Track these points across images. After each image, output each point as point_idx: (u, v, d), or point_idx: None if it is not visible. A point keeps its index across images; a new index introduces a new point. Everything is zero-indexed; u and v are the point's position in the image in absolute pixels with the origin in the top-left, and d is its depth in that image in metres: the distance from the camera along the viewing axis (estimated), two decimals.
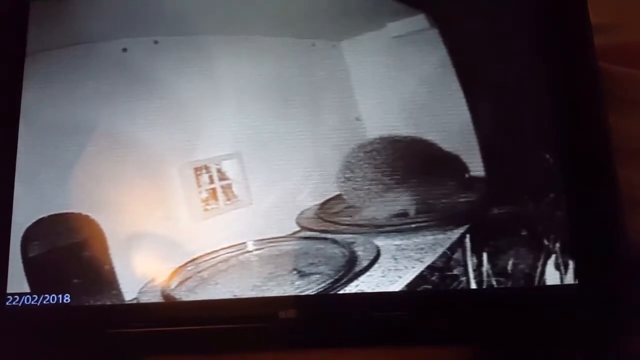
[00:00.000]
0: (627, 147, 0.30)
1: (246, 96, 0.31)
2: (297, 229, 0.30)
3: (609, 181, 0.29)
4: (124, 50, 0.32)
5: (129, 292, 0.29)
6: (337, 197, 0.30)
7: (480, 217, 0.29)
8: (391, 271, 0.28)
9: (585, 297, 0.28)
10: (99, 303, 0.29)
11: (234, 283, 0.29)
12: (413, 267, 0.28)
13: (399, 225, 0.29)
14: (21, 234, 0.30)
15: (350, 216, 0.30)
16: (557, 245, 0.28)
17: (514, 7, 0.31)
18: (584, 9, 0.31)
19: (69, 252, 0.30)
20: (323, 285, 0.28)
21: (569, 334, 0.28)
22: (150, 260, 0.29)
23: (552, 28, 0.31)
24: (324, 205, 0.30)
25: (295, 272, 0.29)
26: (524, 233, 0.29)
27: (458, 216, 0.29)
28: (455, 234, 0.29)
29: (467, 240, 0.29)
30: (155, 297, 0.29)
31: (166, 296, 0.29)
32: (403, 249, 0.29)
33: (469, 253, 0.29)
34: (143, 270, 0.29)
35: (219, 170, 0.30)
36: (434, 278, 0.28)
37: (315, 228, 0.30)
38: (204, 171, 0.30)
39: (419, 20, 0.31)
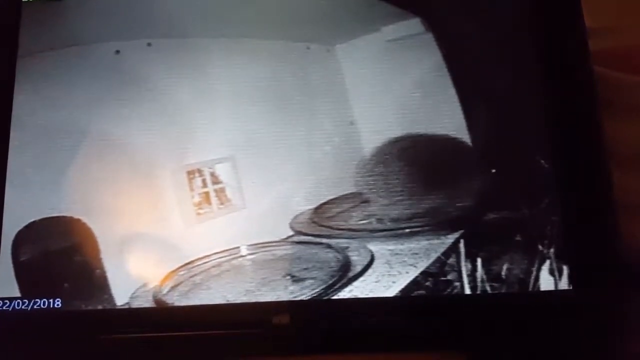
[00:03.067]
0: (622, 152, 0.30)
1: (240, 99, 0.31)
2: (291, 233, 0.29)
3: (604, 186, 0.29)
4: (117, 52, 0.32)
5: (121, 297, 0.29)
6: (331, 201, 0.30)
7: (475, 222, 0.29)
8: (385, 276, 0.28)
9: (580, 302, 0.28)
10: (90, 308, 0.29)
11: (227, 288, 0.29)
12: (407, 273, 0.28)
13: (393, 230, 0.29)
14: (12, 238, 0.30)
15: (345, 221, 0.29)
16: (552, 250, 0.28)
17: (509, 12, 0.31)
18: (579, 14, 0.31)
19: (60, 256, 0.29)
20: (317, 290, 0.28)
21: (564, 339, 0.28)
22: (143, 264, 0.29)
23: (547, 32, 0.31)
24: (318, 209, 0.30)
25: (288, 277, 0.29)
26: (518, 238, 0.28)
27: (452, 221, 0.29)
28: (449, 239, 0.29)
29: (462, 245, 0.29)
30: (147, 302, 0.28)
31: (158, 301, 0.28)
32: (397, 254, 0.29)
33: (463, 258, 0.28)
34: (135, 274, 0.29)
35: (212, 174, 0.30)
36: (428, 283, 0.28)
37: (310, 232, 0.29)
38: (197, 175, 0.30)
39: (414, 24, 0.31)
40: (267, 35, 0.31)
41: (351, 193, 0.30)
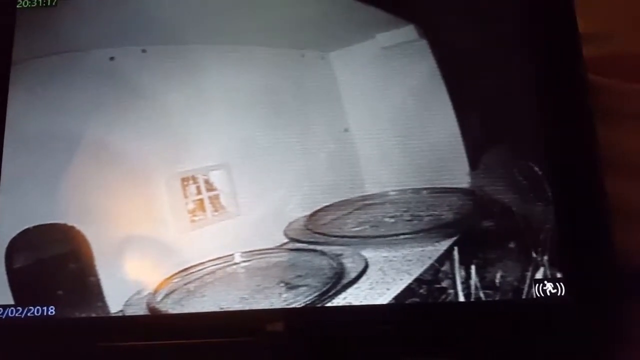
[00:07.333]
0: (616, 159, 0.30)
1: (234, 106, 0.31)
2: (285, 240, 0.29)
3: (598, 193, 0.29)
4: (112, 59, 0.32)
5: (115, 305, 0.29)
6: (325, 208, 0.30)
7: (469, 229, 0.29)
8: (379, 283, 0.28)
9: (574, 309, 0.28)
10: (84, 315, 0.29)
11: (221, 295, 0.29)
12: (401, 280, 0.28)
13: (387, 237, 0.29)
14: (5, 245, 0.29)
15: (339, 227, 0.29)
16: (546, 257, 0.28)
17: (502, 19, 0.31)
18: (572, 21, 0.31)
19: (54, 263, 0.29)
20: (311, 297, 0.28)
21: (558, 347, 0.28)
22: (137, 272, 0.29)
23: (540, 39, 0.31)
24: (312, 216, 0.30)
25: (282, 285, 0.29)
26: (512, 246, 0.28)
27: (446, 228, 0.29)
28: (443, 246, 0.29)
29: (456, 252, 0.29)
30: (141, 310, 0.28)
31: (152, 309, 0.28)
32: (391, 261, 0.29)
33: (457, 265, 0.28)
34: (129, 282, 0.29)
35: (206, 181, 0.30)
36: (422, 290, 0.28)
37: (304, 239, 0.29)
38: (191, 182, 0.30)
39: (408, 31, 0.31)
40: (261, 42, 0.31)
41: (345, 200, 0.30)
